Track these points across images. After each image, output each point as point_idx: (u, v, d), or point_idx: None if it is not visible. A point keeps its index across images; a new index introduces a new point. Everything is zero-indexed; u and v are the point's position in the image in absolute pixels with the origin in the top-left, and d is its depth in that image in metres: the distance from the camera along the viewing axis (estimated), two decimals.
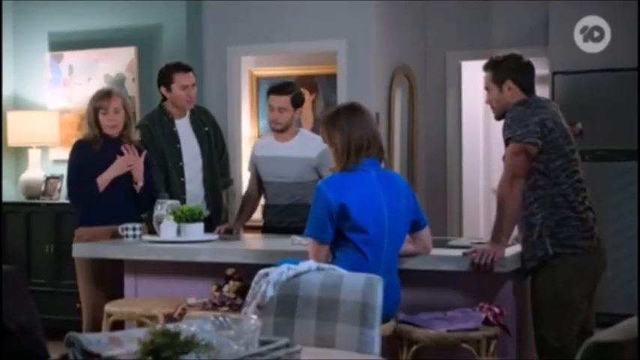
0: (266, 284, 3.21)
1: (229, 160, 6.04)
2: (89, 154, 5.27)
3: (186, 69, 5.57)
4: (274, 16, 7.24)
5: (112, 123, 5.25)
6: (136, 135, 5.40)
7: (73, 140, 7.52)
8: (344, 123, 3.96)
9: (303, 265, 3.25)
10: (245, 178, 7.76)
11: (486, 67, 4.47)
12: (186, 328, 2.47)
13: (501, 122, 4.38)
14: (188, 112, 5.65)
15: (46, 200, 7.35)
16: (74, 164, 5.33)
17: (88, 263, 5.15)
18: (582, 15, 6.37)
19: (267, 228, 5.52)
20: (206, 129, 5.68)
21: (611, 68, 6.47)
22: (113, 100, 5.24)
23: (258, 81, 8.37)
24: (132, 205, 5.32)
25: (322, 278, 3.16)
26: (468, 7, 7.70)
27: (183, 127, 5.63)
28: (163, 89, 5.56)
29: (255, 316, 2.59)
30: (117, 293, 5.07)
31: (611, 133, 6.55)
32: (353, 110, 4.03)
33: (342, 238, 3.95)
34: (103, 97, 5.27)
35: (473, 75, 8.42)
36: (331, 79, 7.89)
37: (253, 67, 8.20)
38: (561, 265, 4.18)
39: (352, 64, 7.04)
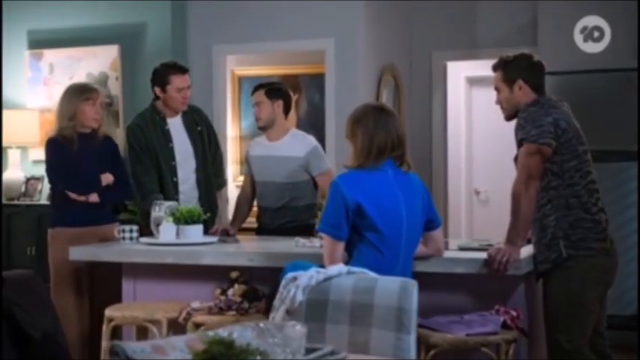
0: (295, 288, 3.12)
1: (223, 161, 5.91)
2: (67, 151, 5.22)
3: (182, 70, 5.45)
4: (261, 15, 7.14)
5: (97, 116, 5.28)
6: (105, 130, 5.42)
7: None
8: (370, 123, 3.89)
9: (333, 269, 3.16)
10: (230, 178, 7.69)
11: (496, 67, 4.40)
12: (228, 335, 2.39)
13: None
14: (180, 112, 5.53)
15: (27, 201, 7.19)
16: (54, 161, 5.27)
17: (65, 268, 5.03)
18: (583, 15, 6.29)
19: (260, 230, 5.45)
20: (199, 129, 5.55)
21: (604, 69, 6.44)
22: (100, 93, 5.34)
23: (240, 81, 8.27)
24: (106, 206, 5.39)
25: (354, 282, 3.08)
26: (453, 7, 7.67)
27: (176, 126, 5.50)
28: (157, 89, 5.43)
29: (299, 323, 2.50)
30: (101, 299, 5.00)
31: (601, 134, 6.52)
32: (382, 111, 3.98)
33: (358, 236, 3.86)
34: (90, 89, 5.35)
35: (458, 75, 8.44)
36: (314, 79, 7.83)
37: (235, 67, 8.09)
38: (575, 267, 4.13)
39: (340, 64, 6.97)
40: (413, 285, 2.98)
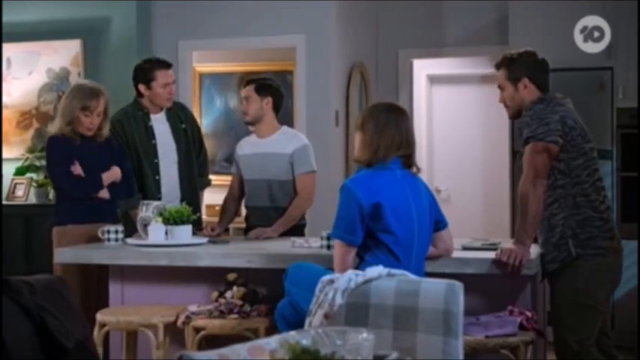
0: (333, 292, 3.00)
1: (207, 160, 5.71)
2: (71, 148, 4.96)
3: (167, 65, 5.29)
4: (231, 10, 6.99)
5: (91, 126, 4.98)
6: (107, 132, 5.14)
7: (11, 138, 7.16)
8: (382, 117, 3.82)
9: (372, 271, 3.05)
10: None
11: (500, 65, 4.34)
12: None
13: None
14: (165, 108, 5.36)
15: None
16: (60, 158, 4.96)
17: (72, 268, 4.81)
18: (582, 15, 6.20)
19: (248, 232, 5.29)
20: (183, 126, 5.39)
21: (602, 67, 6.42)
22: (100, 102, 4.96)
23: (202, 77, 8.10)
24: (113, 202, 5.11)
25: (396, 285, 2.97)
26: (420, 5, 7.63)
27: (159, 122, 5.32)
28: (142, 87, 5.24)
29: (364, 329, 2.39)
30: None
31: None
32: (395, 109, 3.94)
33: (373, 240, 3.75)
34: (91, 96, 4.95)
35: (421, 73, 8.40)
36: (278, 76, 7.69)
37: (196, 63, 7.90)
38: (584, 267, 4.10)
39: (311, 60, 6.86)
40: (459, 287, 2.89)
